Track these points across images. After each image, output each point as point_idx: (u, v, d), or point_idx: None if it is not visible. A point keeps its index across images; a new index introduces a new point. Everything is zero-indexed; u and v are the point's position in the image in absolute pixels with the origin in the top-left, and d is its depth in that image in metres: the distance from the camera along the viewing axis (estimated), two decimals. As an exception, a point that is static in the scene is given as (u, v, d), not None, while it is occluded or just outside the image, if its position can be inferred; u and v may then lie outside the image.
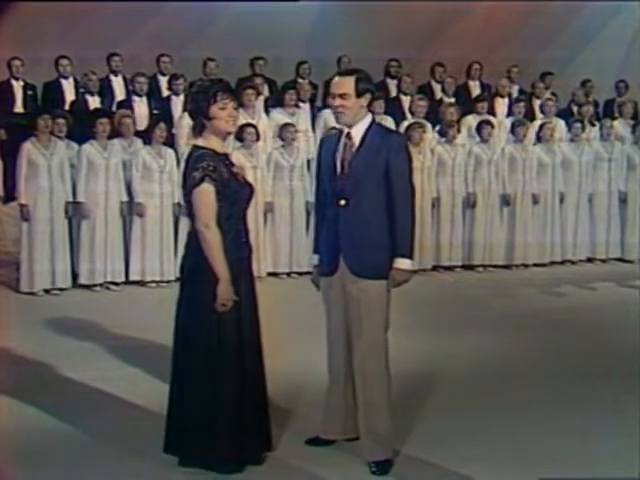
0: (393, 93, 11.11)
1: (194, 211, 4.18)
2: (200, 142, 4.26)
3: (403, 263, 4.34)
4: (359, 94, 4.34)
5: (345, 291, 4.38)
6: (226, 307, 4.12)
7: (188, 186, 4.18)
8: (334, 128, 8.50)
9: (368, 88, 4.39)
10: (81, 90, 9.94)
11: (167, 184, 8.76)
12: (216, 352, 4.16)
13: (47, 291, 8.34)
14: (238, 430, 4.22)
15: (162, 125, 8.84)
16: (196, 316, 4.20)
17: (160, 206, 8.75)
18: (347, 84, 4.34)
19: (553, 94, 11.44)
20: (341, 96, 4.33)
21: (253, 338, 4.29)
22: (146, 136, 8.90)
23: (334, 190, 4.39)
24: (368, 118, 4.41)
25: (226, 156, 4.33)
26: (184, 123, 9.02)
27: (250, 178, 5.02)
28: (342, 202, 4.34)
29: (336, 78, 4.45)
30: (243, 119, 8.76)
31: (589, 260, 10.42)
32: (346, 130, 4.41)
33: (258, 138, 9.02)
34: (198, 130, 4.27)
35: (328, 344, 4.57)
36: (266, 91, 10.70)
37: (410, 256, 4.37)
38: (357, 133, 4.37)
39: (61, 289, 8.39)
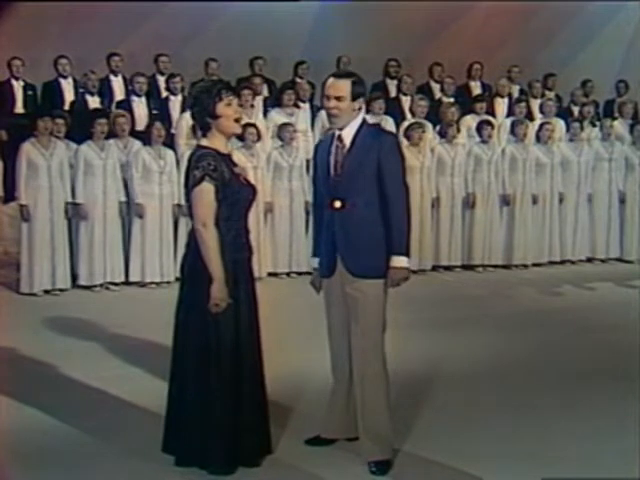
0: (392, 93, 11.12)
1: (193, 210, 4.19)
2: (204, 142, 4.27)
3: (399, 261, 4.33)
4: (354, 97, 4.37)
5: (344, 291, 4.39)
6: (219, 308, 4.11)
7: (189, 185, 4.19)
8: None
9: (362, 92, 4.44)
10: (81, 90, 9.95)
11: (167, 185, 8.76)
12: (213, 353, 4.16)
13: (47, 292, 8.34)
14: (234, 431, 4.21)
15: (158, 124, 8.81)
16: (195, 316, 4.19)
17: (160, 207, 8.74)
18: (343, 87, 4.36)
19: (557, 96, 11.46)
20: (337, 98, 4.35)
21: (251, 340, 4.28)
22: (145, 137, 8.89)
23: (328, 191, 4.41)
24: (359, 119, 4.43)
25: (229, 157, 4.33)
26: (183, 123, 9.04)
27: (250, 178, 5.02)
28: (337, 203, 4.35)
29: (331, 79, 4.44)
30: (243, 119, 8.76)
31: (589, 260, 10.44)
32: (337, 132, 4.43)
33: (259, 138, 9.02)
34: (202, 130, 4.27)
35: (330, 344, 4.57)
36: (265, 91, 10.70)
37: (406, 254, 4.36)
38: (348, 135, 4.39)
39: (61, 290, 8.39)
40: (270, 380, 4.46)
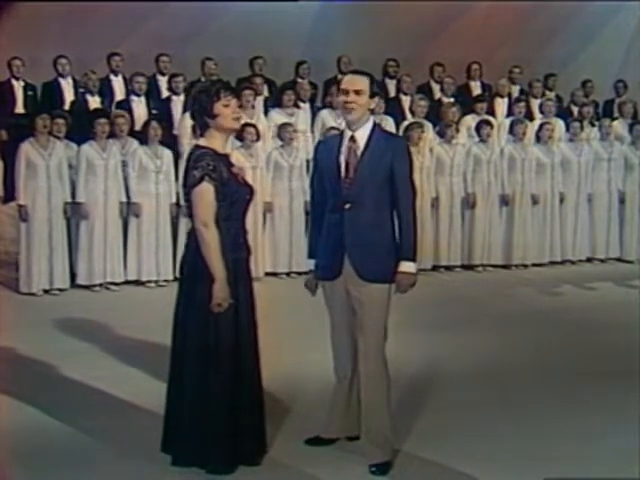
0: (392, 93, 11.11)
1: (193, 210, 4.19)
2: (202, 142, 4.27)
3: (408, 267, 4.34)
4: (371, 95, 4.38)
5: (348, 293, 4.38)
6: (221, 308, 4.11)
7: (188, 185, 4.19)
8: (333, 128, 8.60)
9: (378, 92, 4.45)
10: (81, 90, 9.94)
11: (163, 184, 8.75)
12: (212, 353, 4.16)
13: (46, 291, 8.34)
14: (232, 431, 4.21)
15: (155, 124, 8.79)
16: (195, 316, 4.20)
17: (156, 206, 8.73)
18: (363, 82, 4.37)
19: (557, 96, 11.46)
20: (356, 92, 4.34)
21: (250, 340, 4.28)
22: (143, 137, 8.87)
23: (338, 193, 4.36)
24: (371, 121, 4.43)
25: (227, 157, 4.33)
26: (186, 123, 9.02)
27: (250, 178, 5.02)
28: (347, 205, 4.33)
29: (349, 75, 4.48)
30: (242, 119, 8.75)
31: (588, 260, 10.44)
32: (349, 133, 4.40)
33: (258, 138, 9.01)
34: (201, 130, 4.28)
35: (333, 345, 4.55)
36: (266, 91, 10.70)
37: (413, 259, 4.37)
38: (362, 136, 4.38)
39: (60, 289, 8.39)
40: (270, 380, 4.47)
